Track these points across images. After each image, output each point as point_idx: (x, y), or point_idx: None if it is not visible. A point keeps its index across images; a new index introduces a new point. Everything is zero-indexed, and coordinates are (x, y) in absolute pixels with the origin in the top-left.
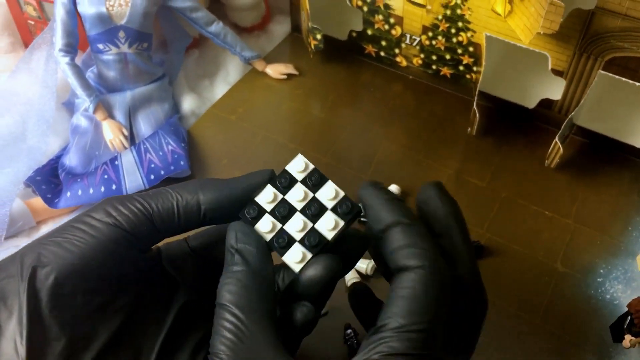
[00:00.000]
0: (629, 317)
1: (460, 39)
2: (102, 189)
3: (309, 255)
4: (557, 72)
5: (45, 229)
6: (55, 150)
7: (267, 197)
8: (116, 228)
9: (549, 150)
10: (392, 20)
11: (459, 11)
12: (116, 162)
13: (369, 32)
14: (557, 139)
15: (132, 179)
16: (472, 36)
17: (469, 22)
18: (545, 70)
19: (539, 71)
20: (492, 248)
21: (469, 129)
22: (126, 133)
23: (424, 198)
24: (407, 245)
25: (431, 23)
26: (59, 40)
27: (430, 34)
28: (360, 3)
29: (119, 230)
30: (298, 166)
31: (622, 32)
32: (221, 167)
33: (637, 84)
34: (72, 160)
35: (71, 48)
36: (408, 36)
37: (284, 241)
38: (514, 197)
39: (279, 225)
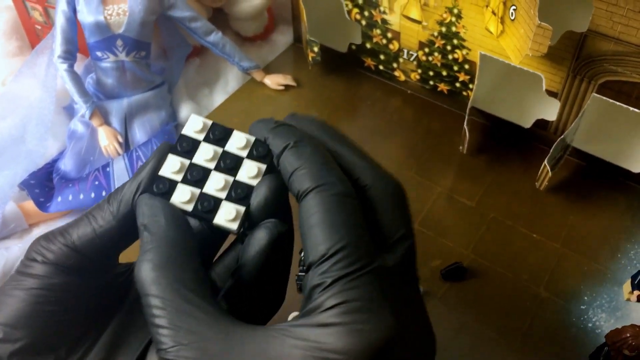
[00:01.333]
0: (606, 348)
1: (456, 56)
2: (93, 195)
3: (242, 209)
4: (551, 93)
5: (37, 232)
6: (53, 154)
7: (173, 167)
8: (47, 265)
9: (539, 173)
10: (389, 35)
11: (454, 28)
12: (108, 169)
13: (368, 45)
14: (546, 162)
15: None
16: (467, 54)
17: (464, 40)
18: (539, 90)
19: (533, 91)
20: (475, 270)
21: (461, 147)
22: (121, 140)
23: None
24: (297, 167)
25: (427, 39)
26: (58, 47)
27: (426, 49)
28: (358, 17)
29: (50, 266)
30: (196, 126)
31: (615, 56)
32: None
33: (631, 108)
34: (67, 164)
35: (70, 55)
36: (405, 51)
37: (210, 204)
38: (503, 218)
39: (198, 190)
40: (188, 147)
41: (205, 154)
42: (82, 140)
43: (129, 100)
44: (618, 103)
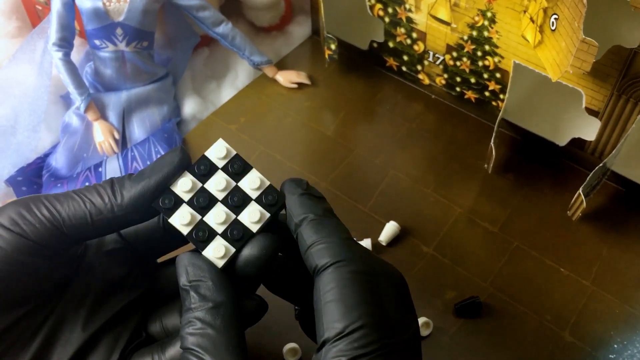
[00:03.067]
0: None
1: (486, 63)
2: None
3: (232, 250)
4: (591, 112)
5: None
6: (46, 147)
7: (184, 185)
8: (21, 238)
9: (572, 201)
10: (414, 35)
11: (486, 33)
12: (100, 169)
13: (391, 44)
14: (580, 190)
15: None
16: (499, 61)
17: (496, 47)
18: (578, 107)
19: (571, 108)
20: (493, 306)
21: (486, 166)
22: (117, 136)
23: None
24: (315, 241)
25: (456, 43)
26: (53, 33)
27: (454, 54)
28: (381, 13)
29: (24, 240)
30: (219, 152)
31: None
32: None
33: None
34: (58, 160)
35: (66, 42)
36: (431, 53)
37: (204, 235)
38: (528, 248)
39: (199, 217)
40: (205, 171)
41: (218, 184)
42: (76, 135)
43: (128, 93)
44: None
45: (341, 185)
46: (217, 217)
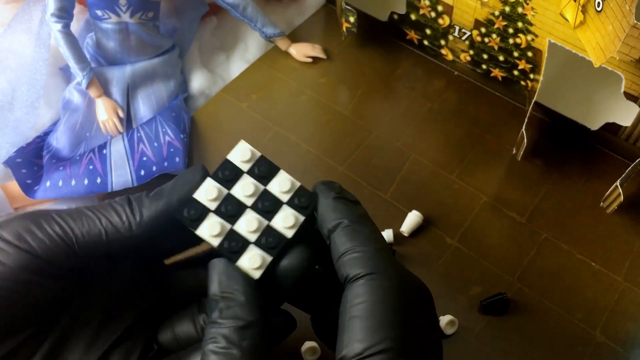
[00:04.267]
0: None
1: (518, 40)
2: (86, 181)
3: (269, 260)
4: (630, 97)
5: None
6: (45, 124)
7: (209, 193)
8: (27, 254)
9: (607, 193)
10: (440, 8)
11: (520, 9)
12: (104, 151)
13: (413, 16)
14: (618, 183)
15: (120, 174)
16: (532, 40)
17: (530, 24)
18: (616, 92)
19: (608, 92)
20: (520, 302)
21: (514, 151)
22: (122, 115)
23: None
24: (349, 249)
25: (485, 18)
26: (51, 3)
27: (483, 30)
28: None
29: (31, 257)
30: (242, 155)
31: None
32: None
33: None
34: (59, 140)
35: (65, 13)
36: (457, 28)
37: (237, 245)
38: (557, 241)
39: (229, 226)
40: (230, 176)
41: (246, 189)
42: (78, 113)
43: (132, 68)
44: None
45: (360, 171)
46: (248, 224)
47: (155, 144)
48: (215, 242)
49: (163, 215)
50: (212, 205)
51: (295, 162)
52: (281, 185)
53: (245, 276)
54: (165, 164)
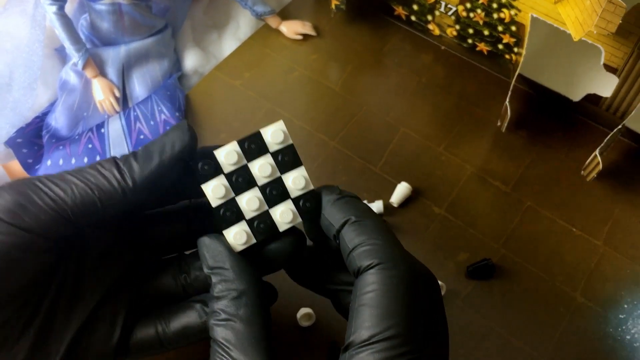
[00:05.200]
0: None
1: (502, 15)
2: (86, 159)
3: (253, 241)
4: (609, 69)
5: None
6: (43, 105)
7: (229, 156)
8: (21, 231)
9: (587, 162)
10: None
11: None
12: (102, 130)
13: None
14: (597, 152)
15: (118, 151)
16: (516, 14)
17: None
18: (596, 64)
19: (588, 64)
20: (505, 267)
21: (499, 123)
22: (118, 94)
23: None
24: (359, 243)
25: None
26: None
27: (468, 5)
28: None
29: (24, 233)
30: (276, 136)
31: None
32: (219, 141)
33: None
34: (58, 120)
35: None
36: (443, 4)
37: (232, 215)
38: (540, 208)
39: (232, 195)
40: (254, 150)
41: (263, 169)
42: (75, 93)
43: (127, 48)
44: None
45: (351, 144)
46: (250, 202)
47: (152, 122)
48: (215, 202)
49: (156, 178)
50: (227, 169)
51: (290, 137)
52: (296, 181)
53: (230, 249)
54: None
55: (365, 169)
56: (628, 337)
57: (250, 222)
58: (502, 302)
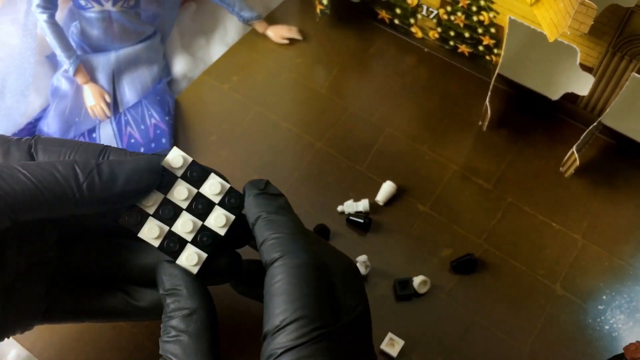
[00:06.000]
0: None
1: (481, 18)
2: None
3: (204, 256)
4: (585, 68)
5: None
6: (36, 110)
7: (147, 199)
8: None
9: (565, 159)
10: None
11: None
12: (94, 135)
13: None
14: (574, 149)
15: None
16: (494, 17)
17: (492, 2)
18: (572, 63)
19: (565, 64)
20: (487, 262)
21: (480, 123)
22: (109, 99)
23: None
24: (266, 237)
25: None
26: None
27: (448, 8)
28: None
29: None
30: (175, 162)
31: None
32: (208, 144)
33: None
34: (50, 126)
35: (50, 4)
36: (425, 7)
37: (175, 245)
38: (521, 204)
39: (167, 228)
40: (165, 182)
41: (180, 193)
42: (66, 99)
43: (117, 54)
44: None
45: (337, 145)
46: (184, 225)
47: (142, 127)
48: (156, 243)
49: (111, 202)
50: (151, 210)
51: (276, 140)
52: (212, 188)
53: (185, 271)
54: (152, 145)
55: (352, 169)
56: (607, 327)
57: (194, 242)
58: (485, 296)
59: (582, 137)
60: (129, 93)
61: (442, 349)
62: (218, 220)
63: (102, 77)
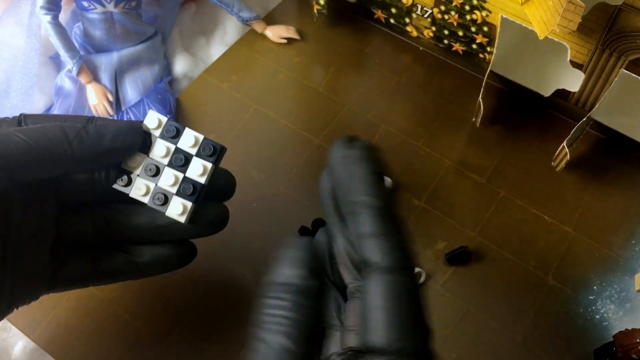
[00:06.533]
0: (613, 349)
1: (474, 16)
2: None
3: (189, 205)
4: (576, 65)
5: None
6: (40, 109)
7: (132, 162)
8: None
9: (556, 153)
10: None
11: None
12: None
13: None
14: (565, 143)
15: None
16: (487, 16)
17: (484, 1)
18: (563, 61)
19: (556, 61)
20: (481, 254)
21: (474, 119)
22: (111, 98)
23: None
24: (373, 234)
25: None
26: None
27: (442, 7)
28: None
29: None
30: (152, 123)
31: None
32: None
33: None
34: None
35: (54, 5)
36: (419, 7)
37: (162, 199)
38: (514, 198)
39: (152, 185)
40: (146, 144)
41: (159, 151)
42: (70, 98)
43: (119, 55)
44: None
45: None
46: (167, 180)
47: None
48: (145, 200)
49: (99, 158)
50: (137, 171)
51: (275, 137)
52: (187, 141)
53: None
54: None
55: None
56: (597, 316)
57: (178, 194)
58: (479, 287)
59: (572, 132)
60: (131, 92)
61: (436, 338)
62: (197, 170)
63: (105, 77)
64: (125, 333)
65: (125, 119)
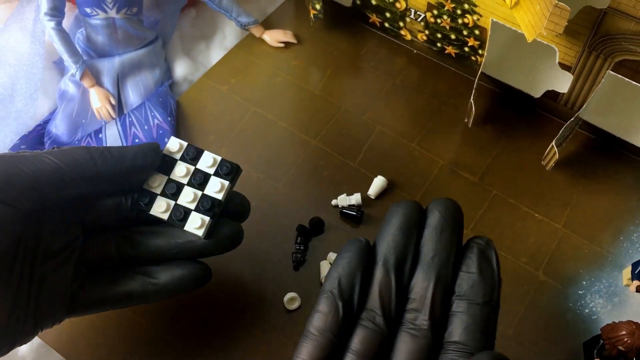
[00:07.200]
0: (601, 342)
1: (466, 20)
2: None
3: (207, 219)
4: (564, 67)
5: None
6: (44, 113)
7: (154, 182)
8: (7, 207)
9: (546, 152)
10: None
11: None
12: (100, 135)
13: (373, 1)
14: (553, 143)
15: None
16: (478, 19)
17: (475, 5)
18: (552, 62)
19: (545, 63)
20: None
21: (466, 120)
22: (114, 102)
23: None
24: (477, 272)
25: (436, 1)
26: (44, 3)
27: (435, 12)
28: None
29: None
30: (173, 147)
31: (635, 36)
32: (208, 143)
33: None
34: (58, 127)
35: (57, 12)
36: (413, 11)
37: (181, 214)
38: (505, 196)
39: (172, 202)
40: (167, 165)
41: (180, 172)
42: (73, 102)
43: (121, 59)
44: (634, 83)
45: (331, 143)
46: (186, 197)
47: (146, 127)
48: (164, 216)
49: (122, 176)
50: (158, 190)
51: (273, 138)
52: (206, 162)
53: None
54: None
55: (345, 165)
56: (587, 310)
57: (197, 210)
58: None
59: (560, 132)
60: (132, 95)
61: None
62: (214, 187)
63: (107, 81)
64: (128, 329)
65: (127, 121)
